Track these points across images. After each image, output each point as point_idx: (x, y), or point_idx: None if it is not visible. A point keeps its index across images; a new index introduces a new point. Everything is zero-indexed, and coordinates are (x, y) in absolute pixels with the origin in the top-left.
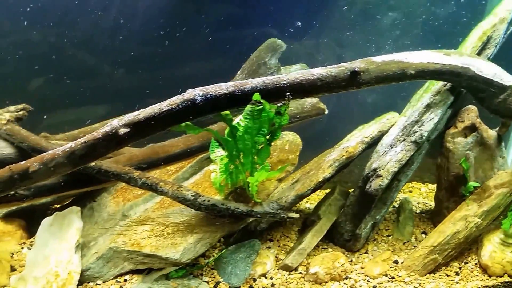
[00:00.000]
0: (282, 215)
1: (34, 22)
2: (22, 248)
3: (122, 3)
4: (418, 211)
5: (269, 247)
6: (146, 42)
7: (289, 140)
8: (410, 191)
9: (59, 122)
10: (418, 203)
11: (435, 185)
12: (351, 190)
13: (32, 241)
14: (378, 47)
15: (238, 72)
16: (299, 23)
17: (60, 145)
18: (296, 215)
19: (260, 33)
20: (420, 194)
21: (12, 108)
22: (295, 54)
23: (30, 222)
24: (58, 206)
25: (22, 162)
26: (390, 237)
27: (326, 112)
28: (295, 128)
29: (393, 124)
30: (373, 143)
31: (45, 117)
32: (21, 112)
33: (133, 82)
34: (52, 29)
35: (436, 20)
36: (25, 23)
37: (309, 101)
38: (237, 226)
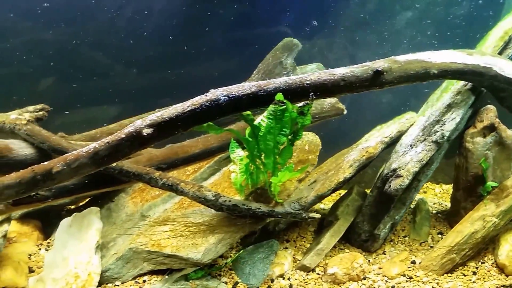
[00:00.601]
0: (303, 216)
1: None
2: (40, 249)
3: (136, 2)
4: (433, 212)
5: (286, 248)
6: (160, 43)
7: (309, 140)
8: (425, 192)
9: (71, 122)
10: (434, 203)
11: (449, 186)
12: (368, 190)
13: (49, 242)
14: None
15: (254, 72)
16: (315, 22)
17: (80, 145)
18: (317, 215)
19: (276, 32)
20: (435, 195)
21: (31, 108)
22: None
23: (45, 223)
24: (73, 207)
25: (45, 163)
26: (406, 238)
27: (345, 112)
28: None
29: (412, 124)
30: (392, 143)
31: (66, 112)
32: (40, 112)
33: (145, 82)
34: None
35: (453, 18)
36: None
37: (328, 101)
38: (257, 226)
